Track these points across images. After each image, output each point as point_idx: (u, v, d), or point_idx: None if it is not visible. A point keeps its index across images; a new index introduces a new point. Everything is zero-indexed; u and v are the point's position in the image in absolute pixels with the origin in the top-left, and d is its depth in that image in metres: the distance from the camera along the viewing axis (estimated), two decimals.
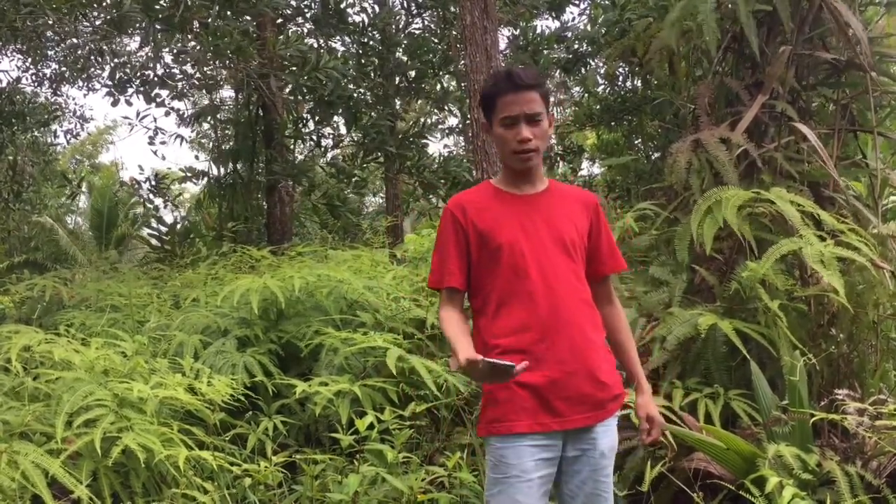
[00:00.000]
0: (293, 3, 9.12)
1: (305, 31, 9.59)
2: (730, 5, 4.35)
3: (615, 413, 2.14)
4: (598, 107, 9.48)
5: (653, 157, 8.75)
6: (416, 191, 11.57)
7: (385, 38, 9.19)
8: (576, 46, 9.55)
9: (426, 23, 10.01)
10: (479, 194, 2.20)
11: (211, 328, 4.47)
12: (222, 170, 9.67)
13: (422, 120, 11.13)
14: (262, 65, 7.98)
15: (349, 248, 6.68)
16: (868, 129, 4.37)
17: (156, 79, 8.07)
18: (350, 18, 9.13)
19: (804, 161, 4.11)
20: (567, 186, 2.34)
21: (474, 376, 1.91)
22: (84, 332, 4.37)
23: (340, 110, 8.96)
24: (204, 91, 10.02)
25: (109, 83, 8.54)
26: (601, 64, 9.63)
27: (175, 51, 7.99)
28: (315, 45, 8.79)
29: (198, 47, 7.44)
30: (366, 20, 9.15)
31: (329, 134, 10.40)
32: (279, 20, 9.09)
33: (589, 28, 9.47)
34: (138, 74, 8.45)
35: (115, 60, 8.87)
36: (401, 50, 9.34)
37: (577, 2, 9.72)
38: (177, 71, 8.26)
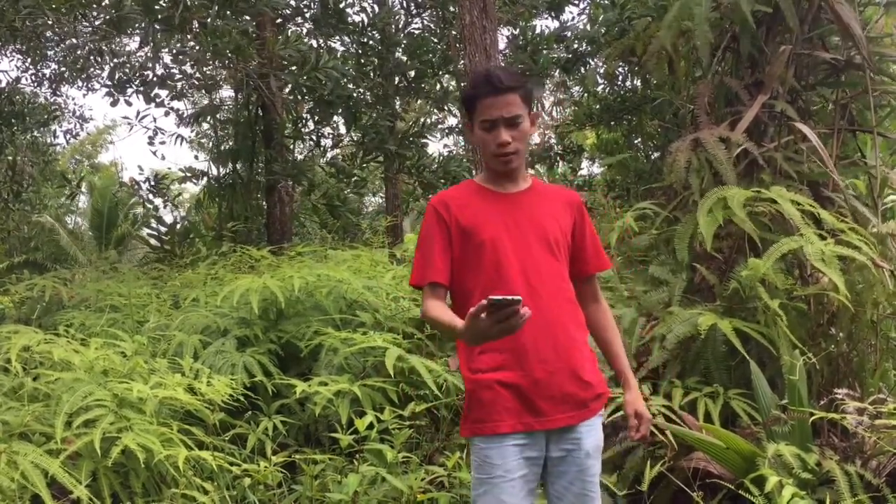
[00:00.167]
0: (293, 2, 9.12)
1: (305, 30, 9.59)
2: (729, 4, 4.35)
3: (599, 412, 2.14)
4: (597, 106, 9.47)
5: (652, 157, 8.75)
6: (415, 191, 11.56)
7: (384, 37, 9.19)
8: (575, 46, 9.54)
9: (425, 22, 10.00)
10: (462, 191, 2.19)
11: (210, 328, 4.47)
12: (222, 170, 9.66)
13: (422, 120, 11.13)
14: (262, 65, 7.98)
15: (349, 247, 6.68)
16: (868, 130, 4.37)
17: (155, 79, 8.06)
18: (349, 18, 9.12)
19: (803, 161, 4.11)
20: (550, 185, 2.34)
21: (481, 332, 1.72)
22: (84, 332, 4.37)
23: (340, 110, 8.95)
24: (203, 91, 10.02)
25: (109, 83, 8.54)
26: (601, 64, 9.63)
27: (174, 51, 7.99)
28: (314, 45, 8.79)
29: (197, 47, 7.44)
30: (365, 20, 9.14)
31: (329, 134, 10.39)
32: (278, 20, 9.08)
33: (588, 28, 9.47)
34: (138, 74, 8.45)
35: (115, 60, 8.87)
36: (400, 50, 9.33)
37: (576, 1, 9.72)
38: (176, 71, 8.25)
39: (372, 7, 9.68)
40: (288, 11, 9.06)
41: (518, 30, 9.83)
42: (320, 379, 3.72)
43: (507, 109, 2.05)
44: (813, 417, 3.16)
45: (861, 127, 4.49)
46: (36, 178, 12.42)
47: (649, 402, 3.32)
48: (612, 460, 3.31)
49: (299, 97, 8.77)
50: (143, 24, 7.13)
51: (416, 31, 9.74)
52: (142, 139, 59.59)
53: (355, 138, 9.71)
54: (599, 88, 9.95)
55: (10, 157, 11.26)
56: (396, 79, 9.38)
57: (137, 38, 8.54)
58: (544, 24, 17.18)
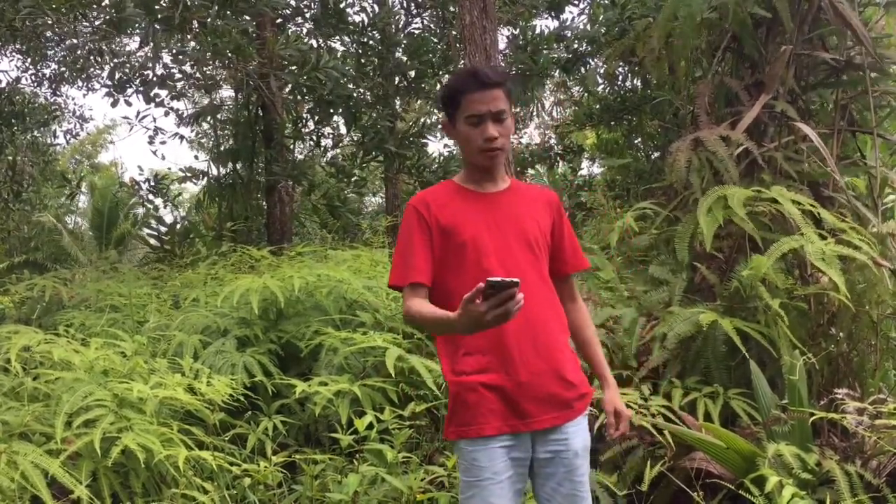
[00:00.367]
0: (293, 2, 9.12)
1: (305, 30, 9.59)
2: (728, 5, 4.35)
3: (584, 412, 2.13)
4: (597, 106, 9.48)
5: (652, 157, 8.76)
6: (415, 190, 11.56)
7: (385, 37, 9.18)
8: (575, 46, 9.54)
9: (426, 23, 10.00)
10: (442, 191, 2.18)
11: (211, 328, 4.47)
12: (222, 170, 9.67)
13: (422, 120, 11.13)
14: (262, 65, 7.98)
15: (349, 247, 6.68)
16: (868, 131, 4.37)
17: (155, 79, 8.05)
18: (350, 18, 9.12)
19: (804, 161, 4.11)
20: (529, 185, 2.34)
21: (475, 318, 1.68)
22: (84, 332, 4.37)
23: (340, 110, 8.94)
24: (203, 91, 10.02)
25: (109, 83, 8.53)
26: (601, 64, 9.63)
27: (174, 51, 7.99)
28: (315, 45, 8.79)
29: (197, 47, 7.44)
30: (365, 20, 9.14)
31: (329, 134, 10.39)
32: (279, 20, 9.08)
33: (589, 27, 9.46)
34: (138, 74, 8.44)
35: (115, 60, 8.87)
36: (400, 50, 9.33)
37: (576, 1, 9.71)
38: (176, 71, 8.25)
39: (372, 7, 9.68)
40: (288, 11, 9.06)
41: (518, 30, 9.83)
42: (320, 379, 3.72)
43: (494, 104, 2.06)
44: (813, 417, 3.16)
45: (861, 128, 4.49)
46: (36, 178, 12.42)
47: (649, 402, 3.33)
48: (612, 460, 3.31)
49: (299, 97, 8.77)
50: (143, 24, 7.13)
51: (417, 31, 9.74)
52: (142, 139, 59.65)
53: (355, 138, 9.71)
54: (599, 88, 9.96)
55: (10, 157, 11.27)
56: (396, 79, 9.38)
57: (137, 38, 8.54)
58: (544, 24, 17.17)
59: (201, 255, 7.54)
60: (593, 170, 11.95)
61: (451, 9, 9.04)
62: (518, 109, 11.58)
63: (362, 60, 9.14)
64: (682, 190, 4.14)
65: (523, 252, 2.10)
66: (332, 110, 8.80)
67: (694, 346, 3.67)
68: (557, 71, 10.06)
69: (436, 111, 12.02)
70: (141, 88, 8.23)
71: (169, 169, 14.61)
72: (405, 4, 9.68)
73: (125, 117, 27.60)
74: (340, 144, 10.32)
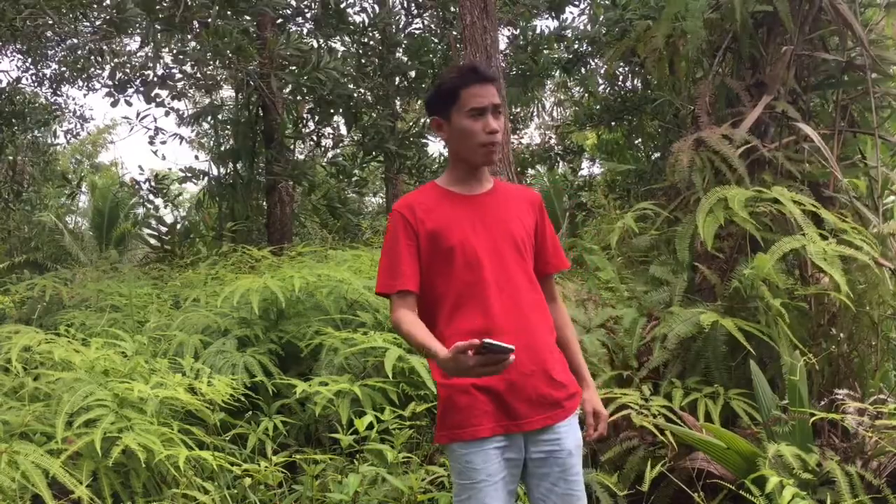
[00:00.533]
0: (293, 2, 9.12)
1: (305, 30, 9.60)
2: (729, 5, 4.35)
3: (575, 411, 2.13)
4: (598, 107, 9.49)
5: (653, 158, 8.76)
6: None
7: (385, 38, 9.19)
8: (576, 46, 9.54)
9: (426, 23, 10.01)
10: (426, 195, 2.15)
11: (211, 328, 4.47)
12: (222, 170, 9.68)
13: (422, 120, 11.13)
14: (263, 65, 7.98)
15: (349, 248, 6.68)
16: (868, 132, 4.37)
17: (156, 79, 8.06)
18: (350, 18, 9.13)
19: (804, 161, 4.11)
20: (511, 185, 2.33)
21: (462, 368, 1.74)
22: (84, 332, 4.37)
23: (340, 110, 8.95)
24: (204, 91, 10.02)
25: (109, 83, 8.54)
26: (601, 64, 9.63)
27: (175, 51, 8.00)
28: (315, 45, 8.79)
29: (198, 47, 7.44)
30: (366, 20, 9.15)
31: (329, 134, 10.40)
32: (279, 20, 9.08)
33: (589, 28, 9.47)
34: (138, 74, 8.46)
35: (115, 60, 8.88)
36: (401, 50, 9.34)
37: (576, 2, 9.72)
38: (176, 71, 8.25)
39: (373, 7, 9.69)
40: (289, 11, 9.07)
41: (518, 30, 9.83)
42: (321, 379, 3.72)
43: (493, 98, 2.07)
44: (813, 418, 3.16)
45: (861, 128, 4.49)
46: (36, 178, 12.43)
47: (650, 402, 3.33)
48: (613, 460, 3.31)
49: (300, 97, 8.78)
50: (143, 24, 7.13)
51: (417, 32, 9.75)
52: (142, 139, 59.62)
53: (355, 138, 9.72)
54: (600, 89, 9.96)
55: (10, 157, 11.28)
56: (397, 79, 9.38)
57: (138, 38, 8.56)
58: (545, 24, 17.19)
59: (201, 255, 7.55)
60: (594, 170, 11.96)
61: (452, 9, 9.04)
62: (518, 109, 11.58)
63: (363, 60, 9.15)
64: (685, 190, 4.14)
65: (511, 254, 2.10)
66: (332, 110, 8.81)
67: (694, 346, 3.67)
68: (558, 71, 10.07)
69: None
70: (141, 88, 8.24)
71: (169, 169, 14.61)
72: (406, 4, 9.69)
73: (125, 117, 27.62)
74: (341, 144, 10.33)
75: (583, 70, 9.82)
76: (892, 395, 3.38)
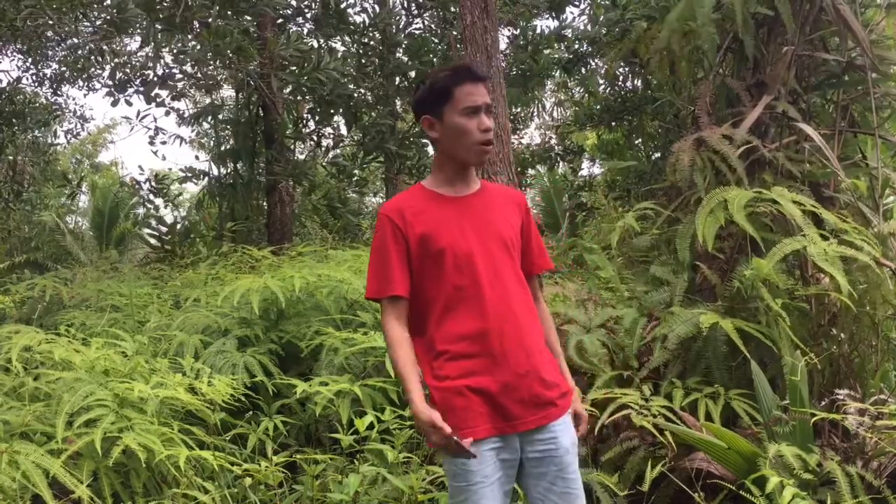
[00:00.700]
0: (293, 2, 9.13)
1: (306, 31, 9.60)
2: (730, 5, 4.35)
3: (568, 409, 2.14)
4: (598, 107, 9.49)
5: (653, 158, 8.76)
6: None
7: (385, 38, 9.19)
8: (576, 46, 9.55)
9: (426, 23, 10.01)
10: (414, 198, 2.13)
11: (211, 328, 4.47)
12: (222, 170, 9.68)
13: None
14: (263, 65, 7.98)
15: (349, 248, 6.68)
16: (869, 132, 4.37)
17: (156, 79, 8.06)
18: (350, 18, 9.13)
19: (805, 161, 4.11)
20: (497, 185, 2.33)
21: (429, 437, 1.95)
22: (84, 332, 4.37)
23: (341, 110, 8.95)
24: (204, 91, 10.02)
25: (109, 83, 8.54)
26: (601, 64, 9.64)
27: (175, 51, 7.99)
28: (315, 46, 8.79)
29: (198, 47, 7.44)
30: (366, 20, 9.15)
31: (329, 134, 10.39)
32: (279, 20, 9.09)
33: (589, 28, 9.47)
34: (138, 74, 8.45)
35: (115, 60, 8.87)
36: (401, 50, 9.34)
37: (577, 2, 9.72)
38: (177, 71, 8.25)
39: (373, 7, 9.69)
40: (289, 11, 9.07)
41: (519, 30, 9.83)
42: (321, 379, 3.72)
43: (486, 97, 2.08)
44: (814, 418, 3.16)
45: (862, 129, 4.49)
46: (36, 178, 12.43)
47: (650, 403, 3.32)
48: (613, 460, 3.30)
49: (300, 97, 8.78)
50: (144, 24, 7.13)
51: (417, 32, 9.75)
52: (142, 139, 59.64)
53: (356, 138, 9.71)
54: (600, 89, 9.97)
55: (10, 157, 11.28)
56: (397, 79, 9.38)
57: (138, 38, 8.55)
58: (545, 24, 17.18)
59: (202, 255, 7.55)
60: (594, 170, 11.96)
61: (452, 9, 9.04)
62: (518, 109, 11.58)
63: (363, 61, 9.15)
64: (686, 190, 4.14)
65: (501, 255, 2.10)
66: (332, 110, 8.81)
67: (695, 346, 3.67)
68: (558, 71, 10.07)
69: None
70: (141, 88, 8.24)
71: (169, 169, 14.61)
72: (406, 5, 9.69)
73: (126, 117, 27.62)
74: (341, 144, 10.32)
75: (583, 70, 9.82)
76: (893, 396, 3.38)
